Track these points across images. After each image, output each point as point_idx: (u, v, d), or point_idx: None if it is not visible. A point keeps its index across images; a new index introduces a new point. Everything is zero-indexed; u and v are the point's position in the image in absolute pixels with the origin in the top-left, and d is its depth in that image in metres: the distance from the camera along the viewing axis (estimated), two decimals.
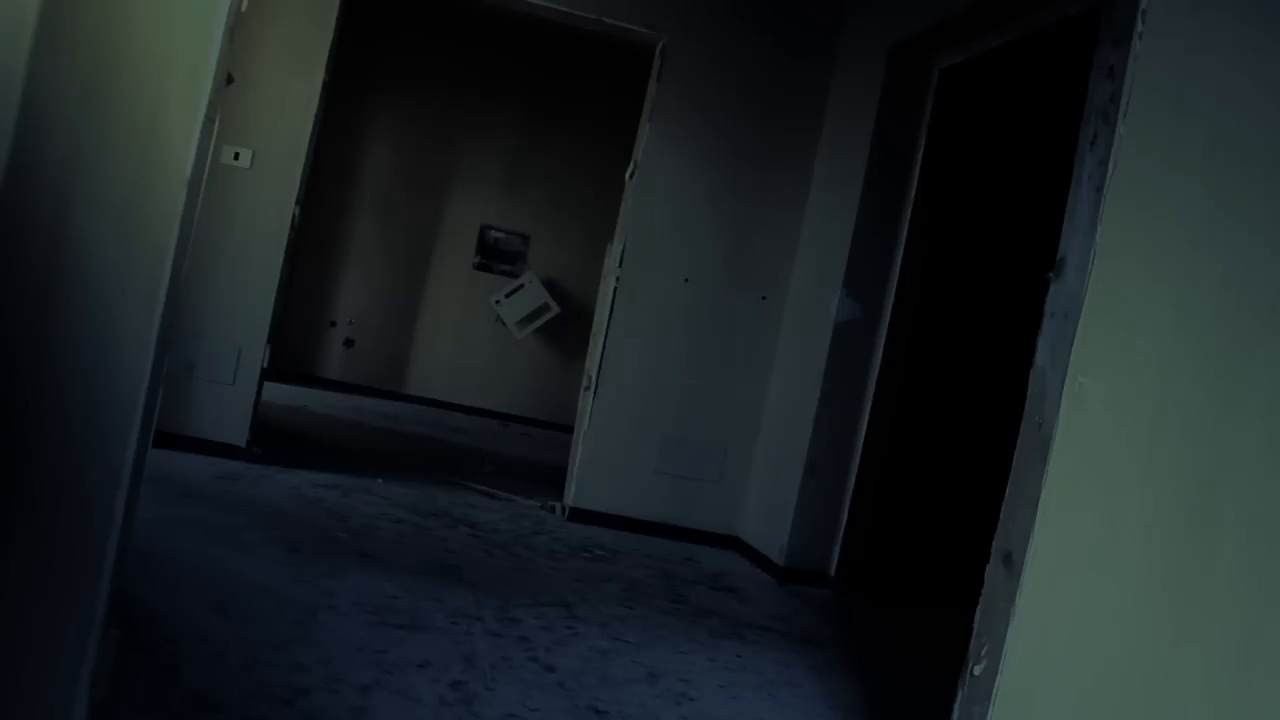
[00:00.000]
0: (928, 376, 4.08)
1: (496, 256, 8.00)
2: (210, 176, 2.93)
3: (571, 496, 4.47)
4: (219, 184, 4.04)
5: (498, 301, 7.79)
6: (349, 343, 7.83)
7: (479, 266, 7.97)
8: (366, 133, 7.76)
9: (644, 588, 3.55)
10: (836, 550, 4.10)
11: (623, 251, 4.47)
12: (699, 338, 4.53)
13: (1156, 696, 1.93)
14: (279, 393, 6.13)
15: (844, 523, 4.10)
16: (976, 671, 1.97)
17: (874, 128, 4.06)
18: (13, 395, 1.03)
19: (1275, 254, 1.92)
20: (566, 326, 7.75)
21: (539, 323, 7.81)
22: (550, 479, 5.02)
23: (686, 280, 4.50)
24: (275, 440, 4.67)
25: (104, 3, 1.15)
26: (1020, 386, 2.05)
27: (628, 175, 4.56)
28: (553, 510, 4.53)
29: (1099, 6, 2.14)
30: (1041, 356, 2.01)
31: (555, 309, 7.78)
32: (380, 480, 4.40)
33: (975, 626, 2.02)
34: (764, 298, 4.56)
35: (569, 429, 5.13)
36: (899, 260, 4.08)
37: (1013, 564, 1.95)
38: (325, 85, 4.29)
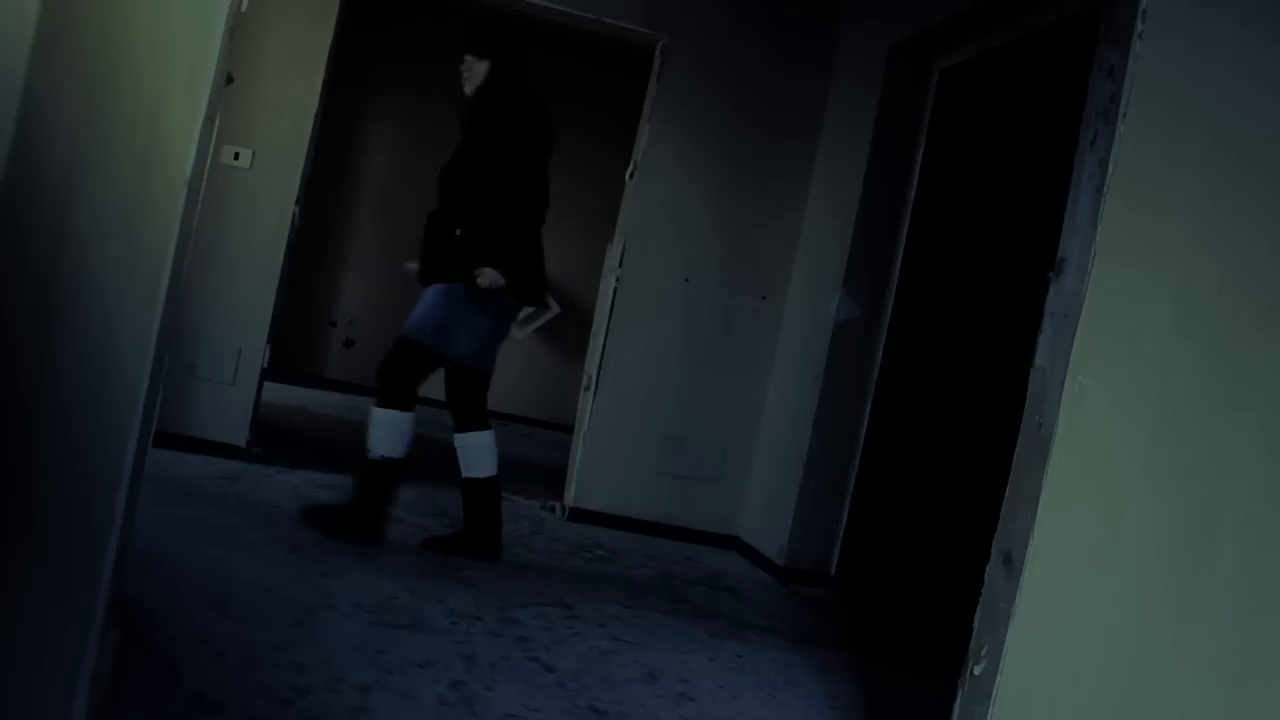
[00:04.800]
0: (927, 376, 4.08)
1: None
2: (210, 176, 2.93)
3: (571, 496, 4.47)
4: (219, 184, 4.04)
5: None
6: (349, 343, 7.83)
7: None
8: (367, 133, 7.76)
9: (644, 588, 3.55)
10: (836, 550, 4.10)
11: (623, 251, 4.47)
12: (699, 338, 4.52)
13: (1156, 696, 1.93)
14: (279, 393, 6.13)
15: (844, 523, 4.10)
16: (976, 671, 1.97)
17: (874, 127, 4.06)
18: (12, 395, 1.03)
19: (1275, 254, 1.92)
20: (566, 326, 7.75)
21: (539, 323, 7.81)
22: (550, 479, 5.02)
23: (686, 280, 4.50)
24: (275, 440, 4.67)
25: (104, 3, 1.15)
26: (1020, 386, 2.05)
27: (628, 175, 4.56)
28: (553, 510, 4.53)
29: (1099, 6, 2.14)
30: (1041, 356, 2.01)
31: (555, 309, 7.78)
32: None
33: (975, 626, 2.02)
34: (764, 298, 4.56)
35: (569, 429, 5.13)
36: (899, 260, 4.08)
37: (1013, 564, 1.95)
38: (325, 85, 4.28)
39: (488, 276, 3.32)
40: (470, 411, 3.47)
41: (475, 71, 3.40)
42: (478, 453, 3.45)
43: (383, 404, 3.37)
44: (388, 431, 3.35)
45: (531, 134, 3.41)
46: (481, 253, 3.35)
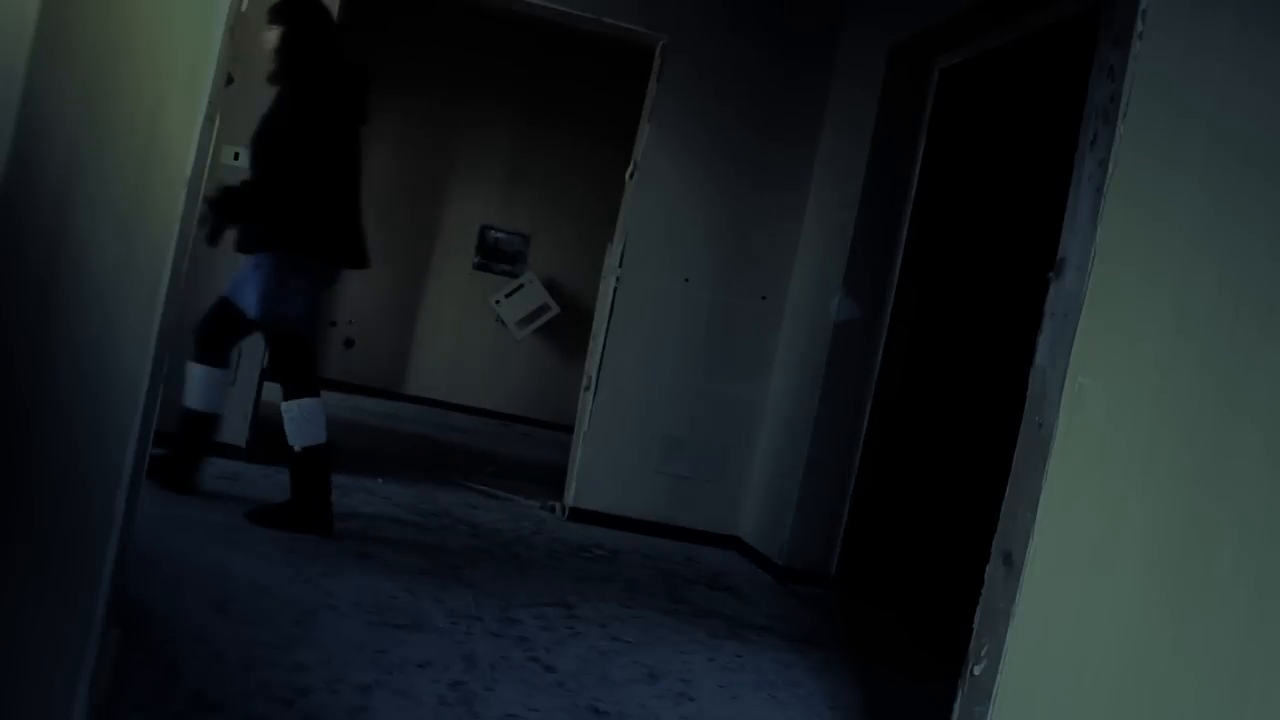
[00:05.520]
0: (927, 377, 4.08)
1: (496, 256, 7.99)
2: (210, 176, 2.93)
3: (571, 496, 4.47)
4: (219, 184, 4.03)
5: (498, 301, 7.78)
6: (349, 343, 7.83)
7: (479, 266, 7.97)
8: (367, 133, 7.76)
9: (644, 588, 3.55)
10: (836, 550, 4.10)
11: (623, 251, 4.47)
12: (699, 338, 4.52)
13: (1155, 696, 1.93)
14: (279, 393, 6.12)
15: (844, 523, 4.10)
16: (976, 671, 1.97)
17: (874, 127, 4.06)
18: (12, 395, 1.03)
19: (1275, 254, 1.93)
20: (566, 326, 7.75)
21: (539, 323, 7.81)
22: (550, 479, 5.02)
23: (686, 280, 4.50)
24: (275, 440, 4.67)
25: (104, 3, 1.15)
26: (1020, 386, 2.05)
27: (628, 175, 4.56)
28: (553, 510, 4.53)
29: (1099, 6, 2.14)
30: (1041, 356, 2.01)
31: (555, 309, 7.78)
32: (380, 480, 4.39)
33: (975, 626, 2.02)
34: (764, 298, 4.56)
35: (569, 429, 5.13)
36: (899, 260, 4.08)
37: (1013, 564, 1.95)
38: None
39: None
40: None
41: (268, 39, 3.36)
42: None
43: (287, 397, 3.37)
44: (301, 423, 3.35)
45: (328, 99, 3.36)
46: (289, 220, 3.31)
